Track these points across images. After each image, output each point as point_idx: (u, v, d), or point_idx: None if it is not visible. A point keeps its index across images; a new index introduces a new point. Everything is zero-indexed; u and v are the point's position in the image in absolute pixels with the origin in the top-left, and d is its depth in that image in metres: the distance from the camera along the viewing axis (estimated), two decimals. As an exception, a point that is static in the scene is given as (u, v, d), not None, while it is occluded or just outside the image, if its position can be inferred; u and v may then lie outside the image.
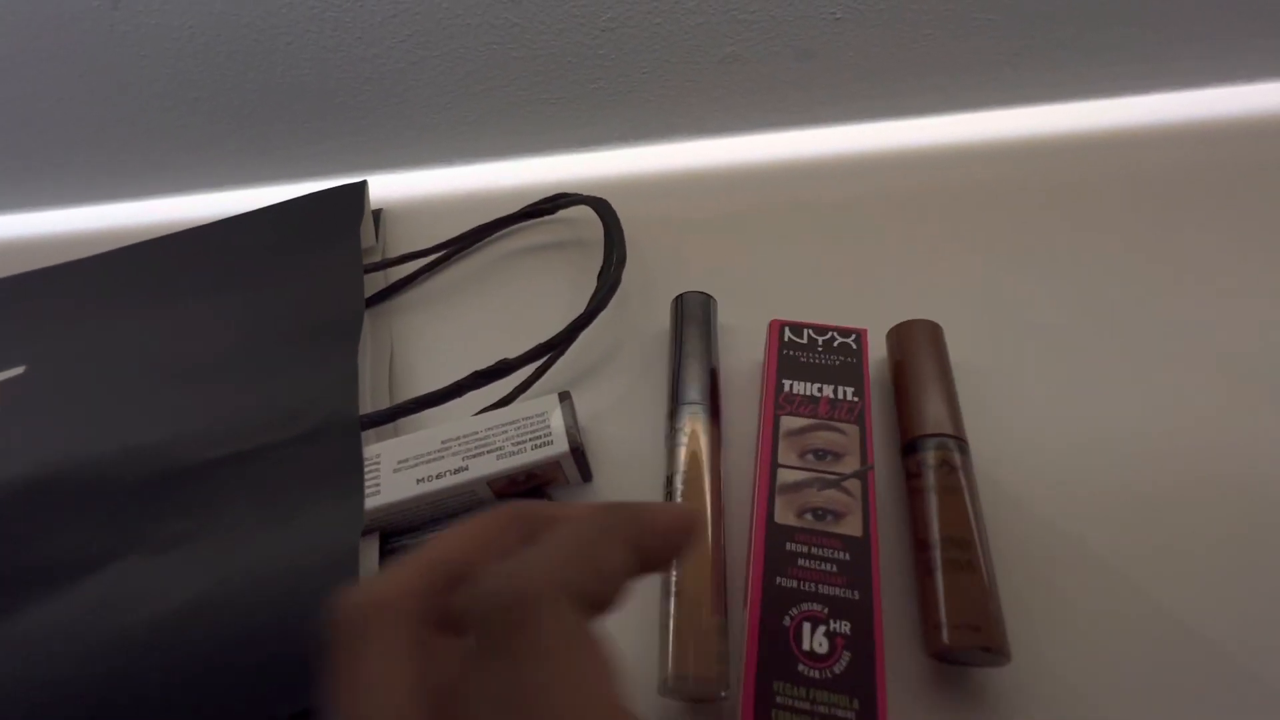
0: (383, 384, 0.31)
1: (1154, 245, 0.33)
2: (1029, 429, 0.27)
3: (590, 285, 0.34)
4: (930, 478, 0.23)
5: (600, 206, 0.35)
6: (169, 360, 0.31)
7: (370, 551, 0.24)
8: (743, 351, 0.31)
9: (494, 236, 0.38)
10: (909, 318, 0.28)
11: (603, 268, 0.32)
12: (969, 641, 0.19)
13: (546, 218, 0.38)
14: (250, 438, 0.26)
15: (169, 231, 0.40)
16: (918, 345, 0.27)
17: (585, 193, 0.37)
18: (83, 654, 0.20)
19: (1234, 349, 0.28)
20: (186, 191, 0.46)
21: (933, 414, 0.25)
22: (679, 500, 0.24)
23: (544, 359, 0.29)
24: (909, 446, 0.25)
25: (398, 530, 0.25)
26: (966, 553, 0.21)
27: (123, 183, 0.45)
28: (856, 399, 0.25)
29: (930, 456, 0.24)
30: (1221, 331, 0.29)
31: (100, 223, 0.45)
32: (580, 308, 0.33)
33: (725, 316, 0.32)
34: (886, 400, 0.28)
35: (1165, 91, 0.39)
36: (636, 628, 0.23)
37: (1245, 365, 0.28)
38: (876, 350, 0.29)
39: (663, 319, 0.32)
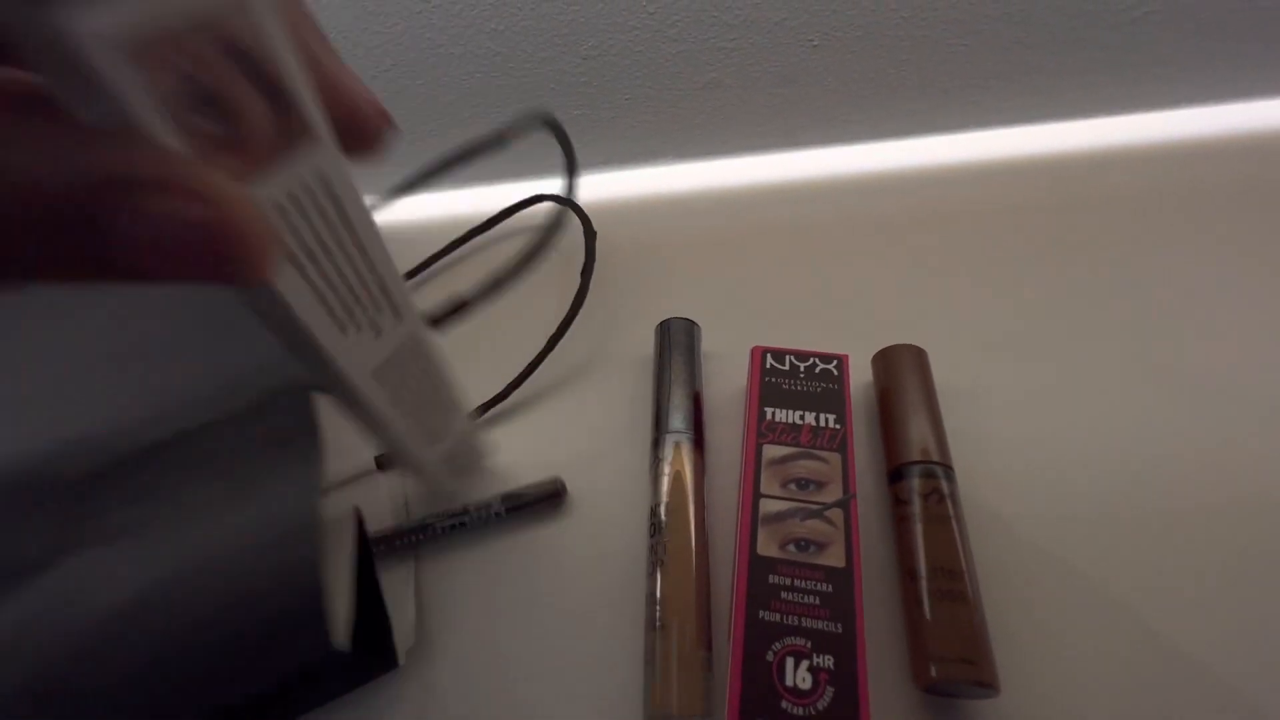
0: None
1: (1137, 266, 0.33)
2: (1015, 453, 0.27)
3: (569, 286, 0.34)
4: (917, 506, 0.23)
5: (568, 202, 0.36)
6: (106, 343, 0.29)
7: (347, 526, 0.23)
8: (726, 377, 0.31)
9: (476, 248, 0.39)
10: (891, 342, 0.28)
11: (585, 265, 0.33)
12: (959, 675, 0.19)
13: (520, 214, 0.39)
14: (194, 415, 0.25)
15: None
16: (903, 370, 0.27)
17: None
18: (40, 654, 0.20)
19: (1221, 371, 0.29)
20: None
21: (918, 440, 0.25)
22: (664, 545, 0.24)
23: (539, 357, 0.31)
24: (895, 474, 0.25)
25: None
26: (955, 583, 0.21)
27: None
28: (838, 426, 0.25)
29: (917, 484, 0.24)
30: (1210, 354, 0.29)
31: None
32: (560, 295, 0.34)
33: (708, 342, 0.32)
34: (869, 426, 0.28)
35: (1137, 113, 0.40)
36: (620, 662, 0.23)
37: (1234, 387, 0.28)
38: (858, 375, 0.30)
39: (645, 344, 0.32)
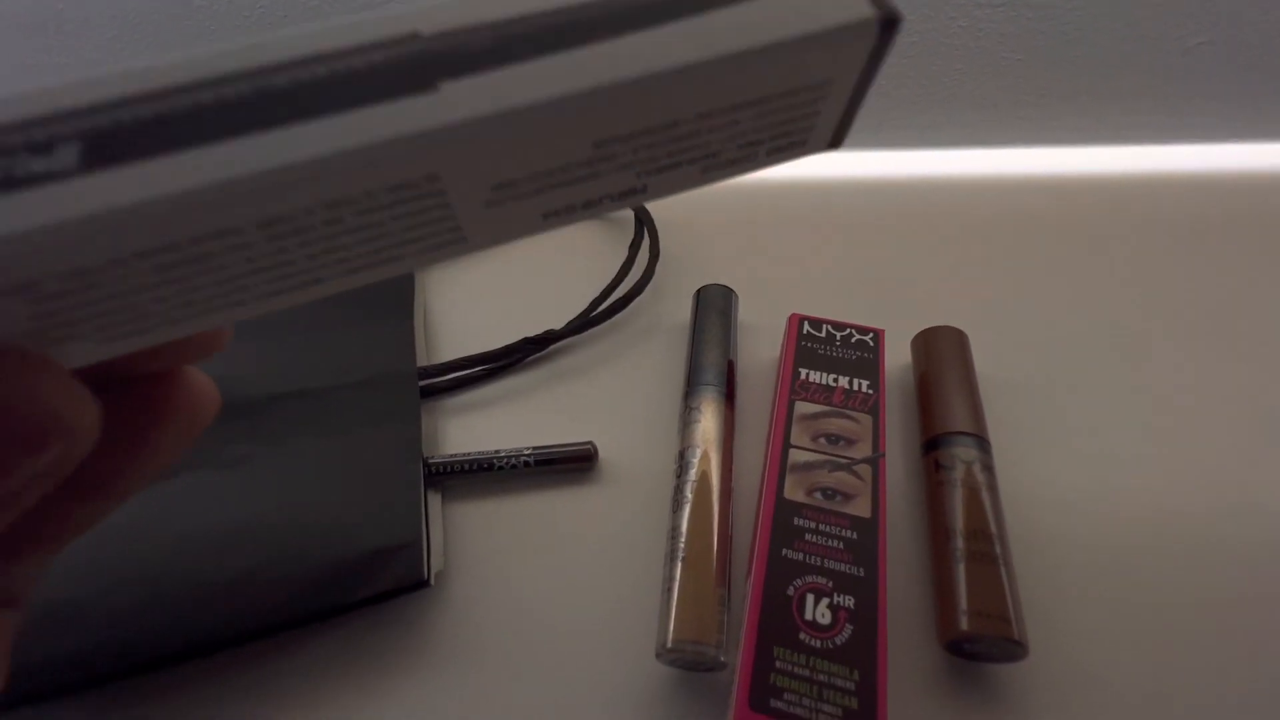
0: (420, 341, 0.32)
1: (1172, 284, 0.33)
2: (1046, 442, 0.27)
3: (614, 256, 0.35)
4: (956, 473, 0.23)
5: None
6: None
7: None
8: (760, 351, 0.31)
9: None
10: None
11: (634, 240, 0.34)
12: (991, 630, 0.19)
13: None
14: (314, 379, 0.28)
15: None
16: (945, 349, 0.28)
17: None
18: (154, 547, 0.22)
19: (1255, 389, 0.29)
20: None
21: (959, 413, 0.25)
22: (691, 484, 0.24)
23: (584, 332, 0.32)
24: (933, 442, 0.25)
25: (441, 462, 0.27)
26: (990, 546, 0.21)
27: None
28: (871, 391, 0.25)
29: (957, 452, 0.24)
30: (1241, 375, 0.29)
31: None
32: (605, 276, 0.35)
33: (745, 315, 0.33)
34: (902, 402, 0.28)
35: (1183, 143, 0.41)
36: (639, 598, 0.23)
37: (1257, 398, 0.28)
38: (893, 356, 0.30)
39: (683, 314, 0.33)
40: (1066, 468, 0.26)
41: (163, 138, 0.07)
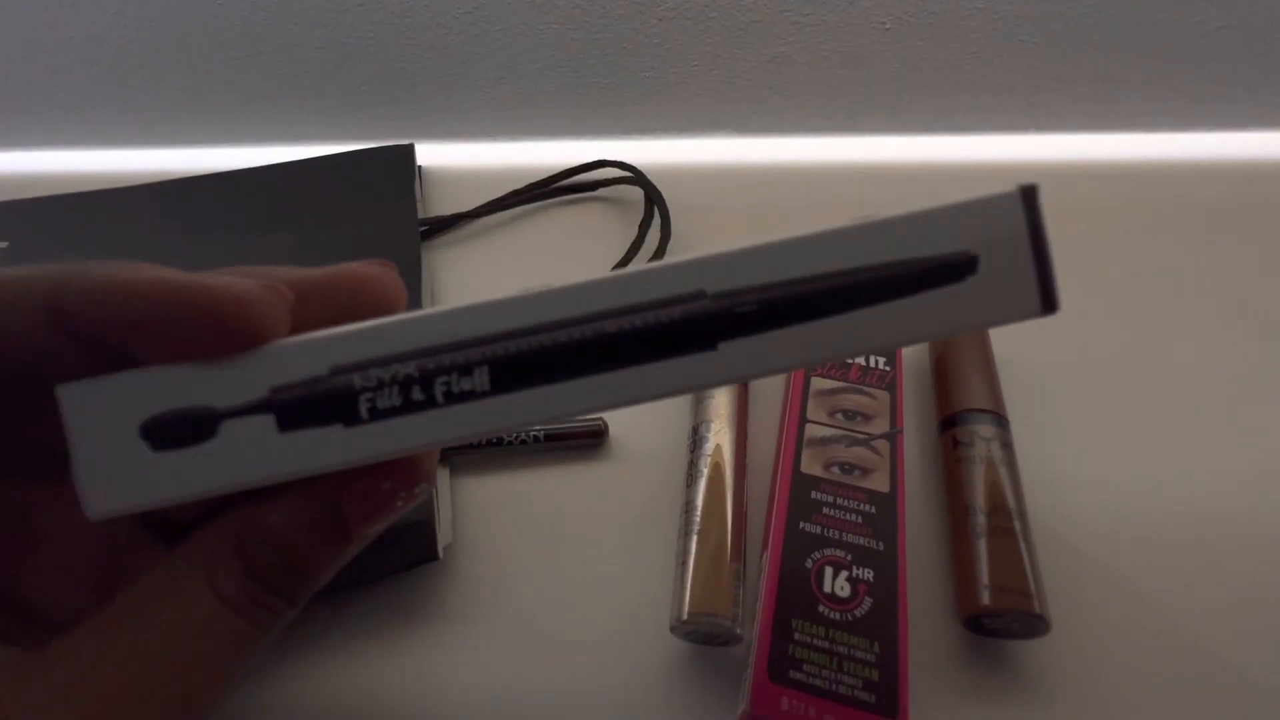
0: None
1: (1191, 271, 0.33)
2: (1064, 424, 0.27)
3: (625, 237, 0.35)
4: (975, 449, 0.23)
5: (644, 183, 0.36)
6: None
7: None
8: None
9: (534, 205, 0.39)
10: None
11: (644, 219, 0.33)
12: (1012, 605, 0.19)
13: (587, 183, 0.39)
14: None
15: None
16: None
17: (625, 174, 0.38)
18: None
19: (1259, 372, 0.28)
20: (236, 143, 0.47)
21: (978, 390, 0.25)
22: (705, 459, 0.23)
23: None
24: (951, 419, 0.24)
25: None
26: (1009, 522, 0.21)
27: (177, 129, 0.47)
28: (888, 368, 0.25)
29: (976, 429, 0.23)
30: (1252, 358, 0.29)
31: (146, 166, 0.46)
32: (615, 255, 0.34)
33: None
34: (917, 383, 0.28)
35: (1202, 130, 0.40)
36: (650, 574, 0.23)
37: (1277, 384, 0.28)
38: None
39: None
40: (1084, 450, 0.26)
41: (535, 370, 0.10)
